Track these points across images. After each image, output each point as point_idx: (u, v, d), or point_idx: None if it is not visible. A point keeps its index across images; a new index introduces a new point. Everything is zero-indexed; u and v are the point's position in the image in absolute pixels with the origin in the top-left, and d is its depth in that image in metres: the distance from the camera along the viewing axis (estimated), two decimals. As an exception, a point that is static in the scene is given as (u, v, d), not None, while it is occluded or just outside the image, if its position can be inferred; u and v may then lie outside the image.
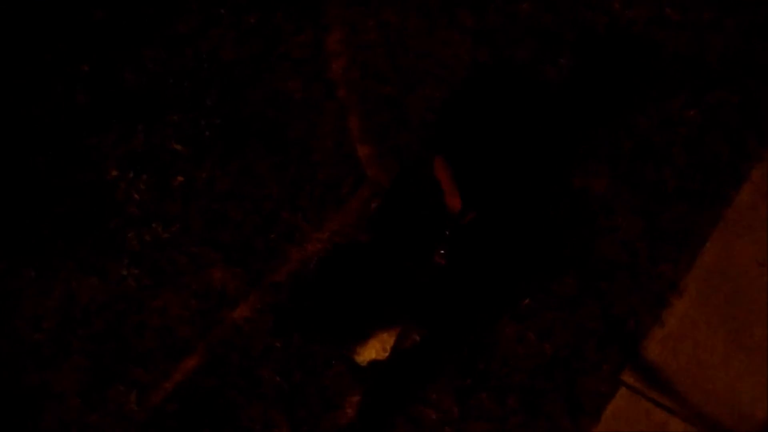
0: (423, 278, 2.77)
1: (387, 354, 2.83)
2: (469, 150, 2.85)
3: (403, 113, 3.54)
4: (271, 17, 3.78)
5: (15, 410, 2.94)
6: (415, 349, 2.87)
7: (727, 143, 3.35)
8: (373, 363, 2.87)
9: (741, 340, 3.00)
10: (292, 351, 3.02)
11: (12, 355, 3.03)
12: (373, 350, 2.87)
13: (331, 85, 3.62)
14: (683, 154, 3.35)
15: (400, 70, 3.65)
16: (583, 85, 3.49)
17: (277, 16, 3.79)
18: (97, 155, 3.40)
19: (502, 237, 3.10)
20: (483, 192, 2.82)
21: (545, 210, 3.26)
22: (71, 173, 3.37)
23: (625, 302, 3.10)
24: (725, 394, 2.92)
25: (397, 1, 3.83)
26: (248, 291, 3.15)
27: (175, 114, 3.54)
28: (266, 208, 3.33)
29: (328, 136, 3.50)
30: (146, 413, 2.94)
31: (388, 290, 2.84)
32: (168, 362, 3.01)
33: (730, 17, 3.59)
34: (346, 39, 3.75)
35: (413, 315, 2.83)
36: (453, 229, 2.70)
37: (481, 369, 2.98)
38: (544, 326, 3.06)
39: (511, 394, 2.93)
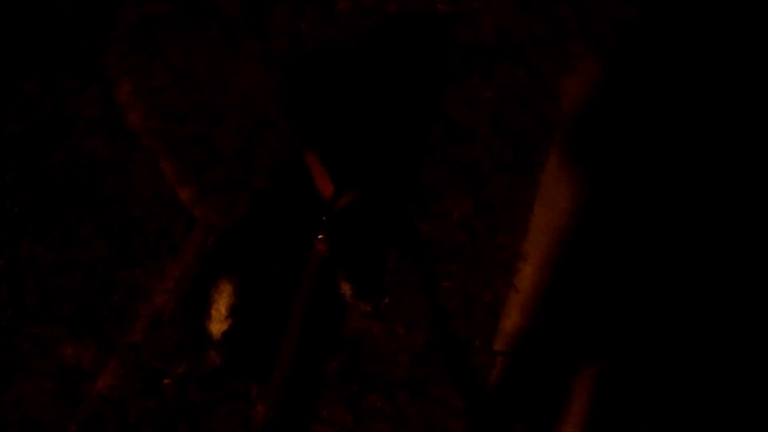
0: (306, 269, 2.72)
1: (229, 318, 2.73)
2: (329, 142, 2.90)
3: (214, 148, 3.49)
4: (52, 81, 3.62)
5: None
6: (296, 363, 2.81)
7: (526, 113, 3.58)
8: (225, 333, 2.76)
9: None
10: (168, 406, 2.89)
11: None
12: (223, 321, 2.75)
13: (133, 137, 3.51)
14: (490, 130, 3.54)
15: (200, 107, 3.60)
16: (381, 83, 3.61)
17: (57, 78, 3.63)
18: None
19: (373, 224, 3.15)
20: (352, 176, 2.87)
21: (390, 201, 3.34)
22: None
23: (477, 278, 3.22)
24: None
25: (177, 41, 3.78)
26: (106, 359, 2.99)
27: (-28, 198, 3.30)
28: (100, 271, 3.17)
29: (144, 186, 3.38)
30: None
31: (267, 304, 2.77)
32: (40, 453, 2.79)
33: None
34: (136, 88, 3.65)
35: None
36: (329, 215, 2.72)
37: (363, 373, 2.99)
38: (409, 318, 3.12)
39: (399, 389, 2.96)
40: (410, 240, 3.26)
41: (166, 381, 2.92)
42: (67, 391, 2.90)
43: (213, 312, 2.70)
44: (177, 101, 3.62)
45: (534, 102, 3.62)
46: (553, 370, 3.04)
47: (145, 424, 2.85)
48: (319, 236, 2.71)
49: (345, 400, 2.93)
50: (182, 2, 3.88)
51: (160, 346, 3.00)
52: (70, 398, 2.89)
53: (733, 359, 3.06)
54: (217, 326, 2.72)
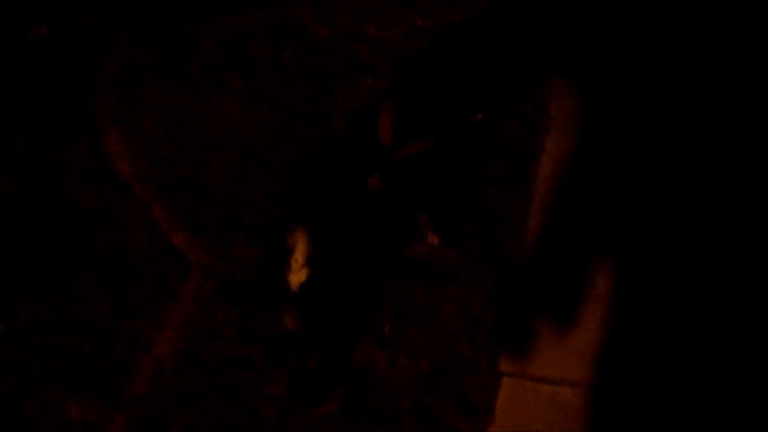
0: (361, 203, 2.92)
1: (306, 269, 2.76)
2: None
3: (205, 189, 3.49)
4: (40, 136, 3.63)
5: None
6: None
7: (515, 123, 3.54)
8: (303, 286, 2.78)
9: (590, 295, 3.17)
10: (178, 457, 2.89)
11: None
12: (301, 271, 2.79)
13: (124, 184, 3.51)
14: (482, 142, 3.50)
15: (188, 149, 3.59)
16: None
17: (45, 134, 3.64)
18: None
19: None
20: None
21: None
22: None
23: (477, 298, 3.19)
24: (587, 347, 3.07)
25: (161, 84, 3.78)
26: (111, 414, 2.99)
27: (-32, 262, 3.32)
28: (100, 325, 3.17)
29: (138, 234, 3.38)
30: None
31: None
32: None
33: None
34: (124, 135, 3.65)
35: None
36: (385, 161, 2.87)
37: (370, 406, 2.97)
38: (412, 345, 3.09)
39: (406, 418, 2.94)
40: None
41: (172, 432, 2.92)
42: (75, 450, 2.90)
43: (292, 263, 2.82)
44: (164, 145, 3.62)
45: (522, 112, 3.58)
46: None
47: (157, 476, 2.85)
48: (375, 175, 2.88)
49: (353, 436, 2.92)
50: (163, 44, 3.88)
51: (165, 396, 3.00)
52: (79, 458, 2.89)
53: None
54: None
